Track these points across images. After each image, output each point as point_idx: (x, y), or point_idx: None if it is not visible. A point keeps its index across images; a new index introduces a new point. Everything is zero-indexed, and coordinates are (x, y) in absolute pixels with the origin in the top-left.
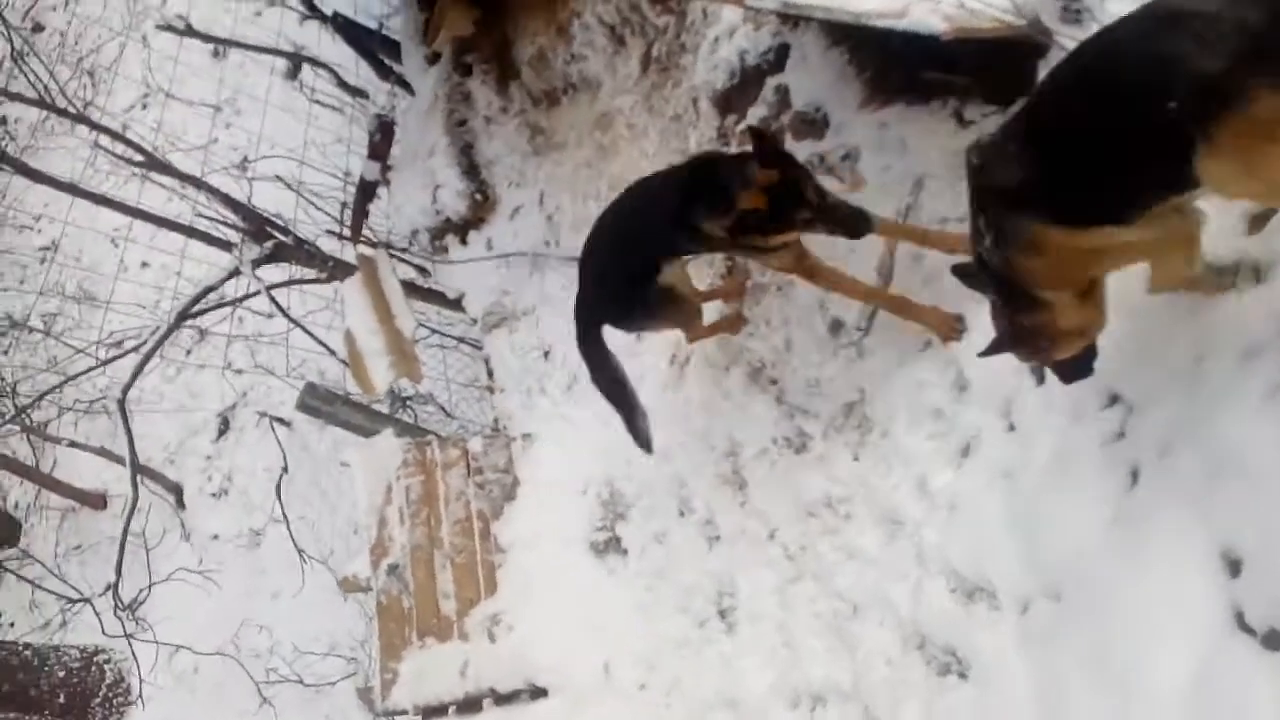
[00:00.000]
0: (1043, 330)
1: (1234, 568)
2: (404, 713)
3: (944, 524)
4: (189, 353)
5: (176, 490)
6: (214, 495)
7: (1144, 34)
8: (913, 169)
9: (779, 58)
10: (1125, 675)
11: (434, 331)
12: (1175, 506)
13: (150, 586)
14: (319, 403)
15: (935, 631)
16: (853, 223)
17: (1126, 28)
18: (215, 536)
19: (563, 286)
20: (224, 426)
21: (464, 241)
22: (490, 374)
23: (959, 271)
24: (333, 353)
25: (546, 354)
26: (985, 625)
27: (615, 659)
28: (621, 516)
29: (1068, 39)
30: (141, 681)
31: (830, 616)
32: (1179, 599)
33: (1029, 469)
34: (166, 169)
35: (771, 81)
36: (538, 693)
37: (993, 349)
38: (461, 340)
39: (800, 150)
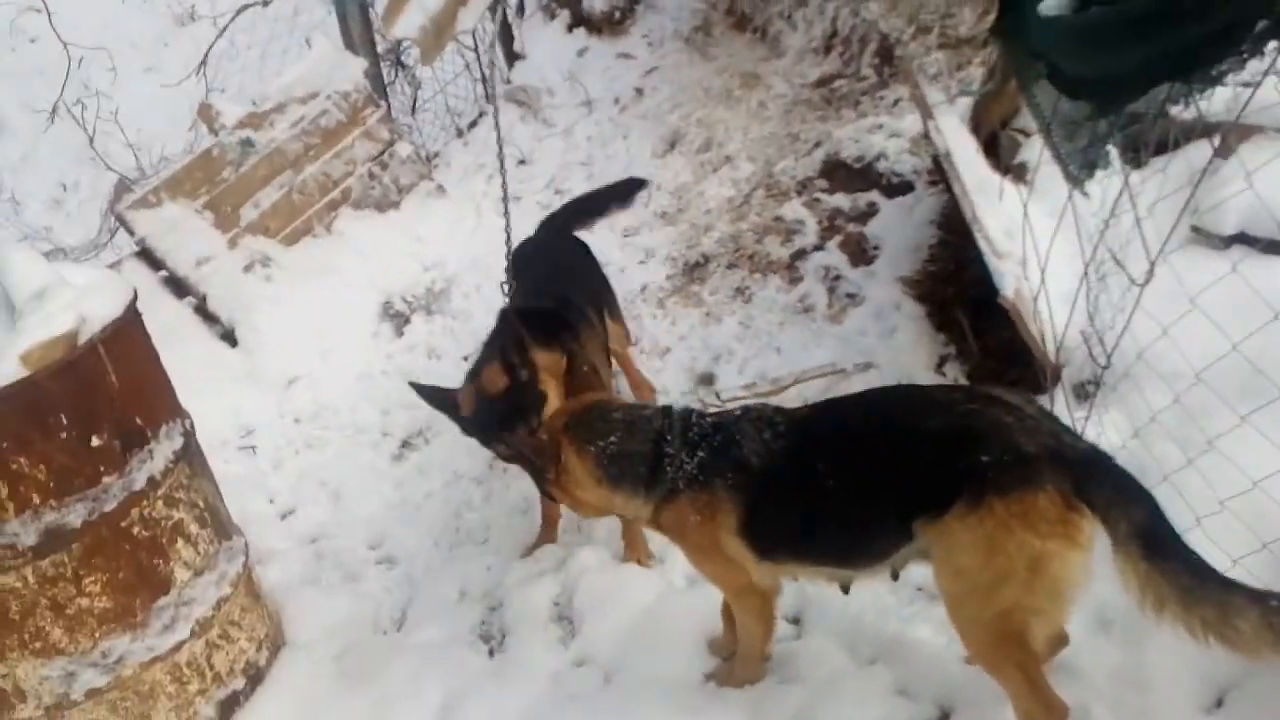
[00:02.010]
0: None
1: None
2: (134, 235)
3: None
4: None
5: None
6: None
7: (963, 401)
8: (876, 353)
9: (897, 189)
10: None
11: (475, 50)
12: None
13: None
14: None
15: None
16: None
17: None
18: None
19: (588, 138)
20: None
21: (570, 30)
22: (472, 126)
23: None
24: None
25: (523, 161)
26: None
27: (305, 389)
28: (429, 312)
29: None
30: None
31: None
32: None
33: None
34: None
35: (874, 195)
36: (229, 336)
37: None
38: (484, 80)
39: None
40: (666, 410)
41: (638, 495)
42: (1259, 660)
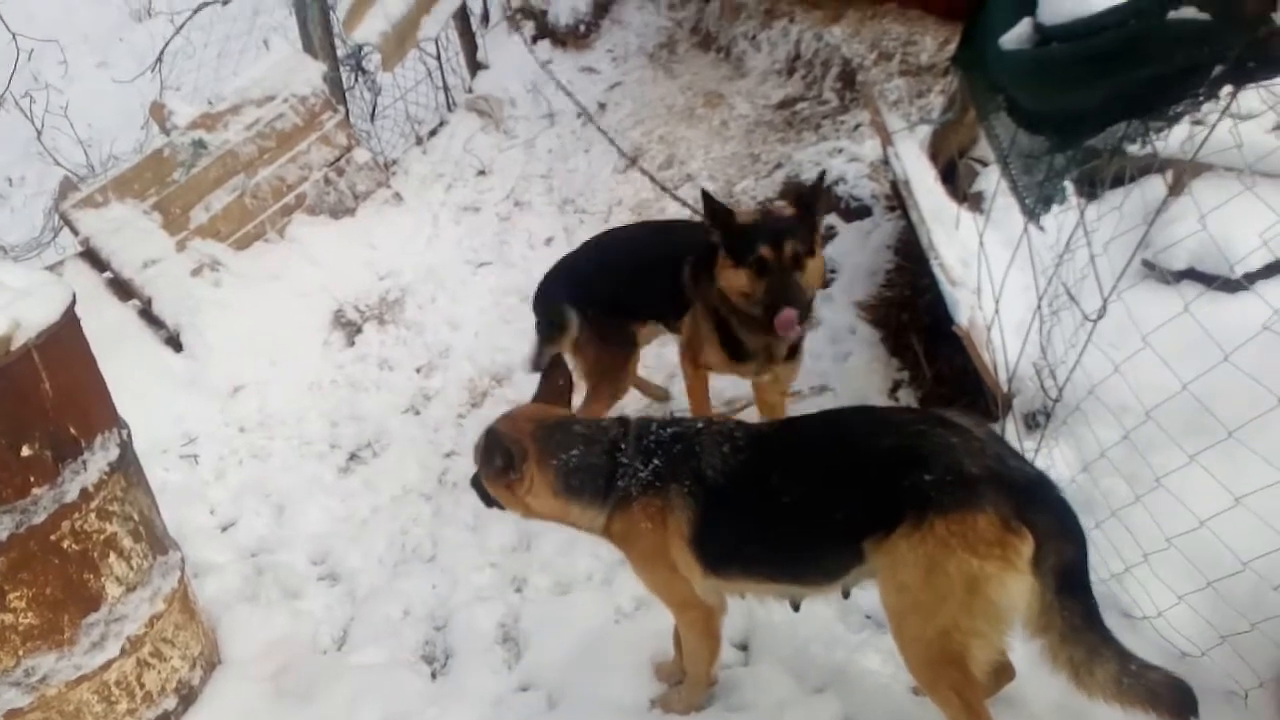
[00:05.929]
0: None
1: None
2: (78, 235)
3: None
4: None
5: None
6: None
7: (914, 422)
8: (831, 377)
9: (856, 213)
10: None
11: (439, 58)
12: None
13: None
14: None
15: None
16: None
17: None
18: None
19: (549, 150)
20: None
21: (534, 40)
22: (433, 134)
23: None
24: None
25: (482, 172)
26: None
27: (251, 397)
28: (382, 321)
29: (1018, 437)
30: None
31: None
32: None
33: None
34: None
35: (832, 219)
36: (174, 341)
37: None
38: (445, 90)
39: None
40: (623, 420)
41: (594, 507)
42: (1091, 700)
